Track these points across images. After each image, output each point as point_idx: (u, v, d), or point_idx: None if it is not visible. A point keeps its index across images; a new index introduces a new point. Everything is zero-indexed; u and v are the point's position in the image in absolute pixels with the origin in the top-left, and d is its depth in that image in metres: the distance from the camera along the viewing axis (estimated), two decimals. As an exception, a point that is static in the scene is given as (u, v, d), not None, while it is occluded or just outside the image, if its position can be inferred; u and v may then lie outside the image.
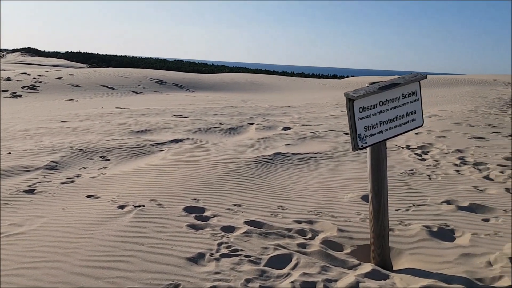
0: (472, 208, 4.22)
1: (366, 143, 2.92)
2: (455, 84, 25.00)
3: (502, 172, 5.62)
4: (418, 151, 6.97)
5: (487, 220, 3.91)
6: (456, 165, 6.05)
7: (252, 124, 9.80)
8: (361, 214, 4.02)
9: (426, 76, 3.17)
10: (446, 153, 6.78)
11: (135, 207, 3.95)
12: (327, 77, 56.39)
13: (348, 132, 8.77)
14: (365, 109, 2.88)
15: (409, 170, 5.76)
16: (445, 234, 3.59)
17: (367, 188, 4.82)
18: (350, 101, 2.82)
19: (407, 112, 3.14)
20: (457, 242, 3.44)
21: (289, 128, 9.32)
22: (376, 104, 2.94)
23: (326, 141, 7.89)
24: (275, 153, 6.49)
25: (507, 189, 4.90)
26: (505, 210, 4.16)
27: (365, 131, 2.90)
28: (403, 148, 7.25)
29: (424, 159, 6.44)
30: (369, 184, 3.18)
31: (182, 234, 3.36)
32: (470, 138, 7.91)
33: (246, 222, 3.69)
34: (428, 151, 6.98)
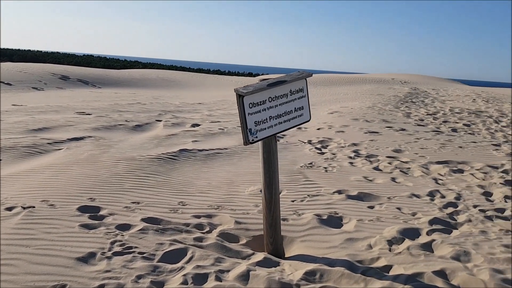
0: (360, 197, 4.57)
1: (256, 137, 3.03)
2: (357, 83, 26.66)
3: (390, 163, 6.14)
4: (318, 145, 7.36)
5: (372, 207, 4.26)
6: (350, 157, 6.49)
7: (160, 121, 9.65)
8: (259, 206, 4.17)
9: (312, 74, 3.37)
10: (343, 147, 7.24)
11: (24, 208, 3.72)
12: (242, 74, 56.82)
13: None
14: (255, 104, 3.00)
15: (309, 163, 6.06)
16: (334, 221, 3.86)
17: (267, 182, 5.02)
18: (240, 97, 2.91)
19: (295, 108, 3.31)
20: (344, 228, 3.72)
21: (198, 125, 9.32)
22: (266, 100, 3.07)
23: (233, 137, 8.02)
24: (181, 150, 6.47)
25: (393, 179, 5.37)
26: (388, 198, 4.56)
27: (255, 125, 3.01)
28: (305, 142, 7.61)
29: (323, 153, 6.82)
30: (261, 177, 3.31)
31: (74, 234, 3.24)
32: (365, 133, 8.52)
33: (143, 219, 3.65)
34: (327, 145, 7.40)
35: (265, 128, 3.09)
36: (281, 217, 3.85)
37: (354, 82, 26.74)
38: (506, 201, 4.53)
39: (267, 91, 3.07)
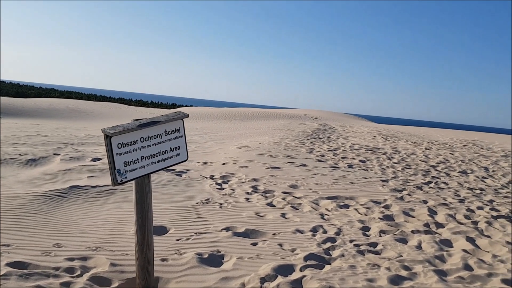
0: (247, 233, 4.66)
1: (126, 177, 3.00)
2: (272, 118, 27.53)
3: (283, 199, 6.36)
4: (220, 181, 7.43)
5: (255, 244, 4.36)
6: (248, 193, 6.62)
7: (58, 154, 9.17)
8: (142, 246, 4.08)
9: (188, 115, 3.45)
10: (243, 182, 7.38)
11: None
12: (166, 106, 55.61)
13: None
14: (124, 145, 2.98)
15: (205, 200, 6.09)
16: (214, 260, 3.88)
17: (157, 220, 4.95)
18: (107, 137, 2.89)
19: (170, 148, 3.35)
20: (223, 267, 3.75)
21: (99, 159, 8.99)
22: (137, 140, 3.07)
23: (133, 172, 7.82)
24: (71, 186, 6.18)
25: (283, 214, 5.56)
26: (274, 234, 4.70)
27: (124, 166, 2.99)
28: (207, 178, 7.65)
29: (223, 188, 6.89)
30: (134, 217, 3.26)
31: None
32: (268, 168, 8.77)
33: (8, 264, 3.41)
34: (228, 181, 7.50)
35: (136, 168, 3.08)
36: (161, 257, 3.82)
37: (268, 117, 27.57)
38: (380, 236, 4.88)
39: (139, 131, 3.09)
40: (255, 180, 7.61)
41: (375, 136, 17.89)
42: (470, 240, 4.80)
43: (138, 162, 3.09)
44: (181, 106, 54.33)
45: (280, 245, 4.35)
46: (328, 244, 4.44)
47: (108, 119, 23.28)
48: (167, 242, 4.24)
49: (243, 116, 27.65)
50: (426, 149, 14.19)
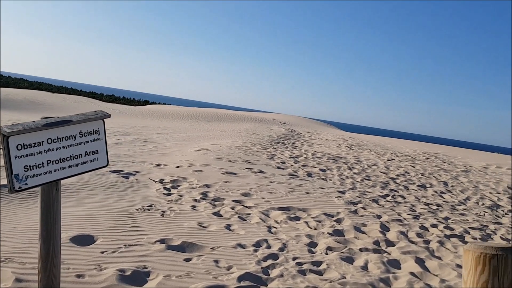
0: (183, 247, 4.29)
1: (26, 184, 2.58)
2: (240, 120, 27.20)
3: (233, 208, 6.01)
4: (169, 185, 7.02)
5: (189, 259, 3.99)
6: (196, 200, 6.24)
7: None
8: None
9: (110, 115, 3.05)
10: (193, 188, 6.99)
11: None
12: (138, 102, 54.07)
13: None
14: (26, 146, 2.57)
15: (148, 206, 5.67)
16: (138, 277, 3.49)
17: (86, 227, 4.51)
18: (4, 137, 2.47)
19: (86, 152, 2.95)
20: (147, 286, 3.37)
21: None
22: (43, 141, 2.66)
23: (76, 172, 7.30)
24: (1, 185, 5.65)
25: (228, 225, 5.21)
26: (212, 248, 4.34)
27: (25, 171, 2.57)
28: (156, 181, 7.22)
29: (170, 194, 6.49)
30: (39, 229, 2.84)
31: None
32: (223, 173, 8.41)
33: None
34: (178, 185, 7.09)
35: (40, 174, 2.66)
36: (77, 273, 3.41)
37: (236, 120, 27.22)
38: (326, 253, 4.59)
39: (45, 132, 2.68)
40: (207, 186, 7.24)
41: (340, 145, 17.81)
42: (419, 261, 4.58)
43: (43, 166, 2.68)
44: (154, 103, 53.22)
45: (216, 261, 3.99)
46: (269, 262, 4.11)
47: (61, 112, 22.36)
48: (90, 254, 3.82)
49: (210, 117, 27.20)
50: (388, 160, 14.15)
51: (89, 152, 2.96)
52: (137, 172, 7.87)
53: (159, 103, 52.97)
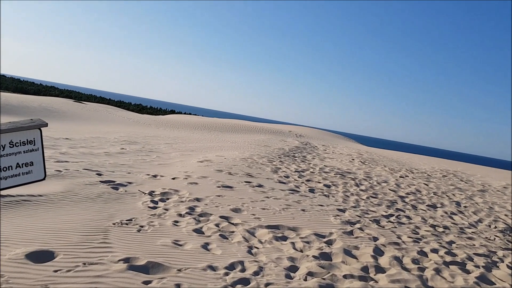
0: (147, 268, 3.98)
1: None
2: (254, 132, 26.91)
3: (217, 224, 5.68)
4: (157, 198, 6.74)
5: (148, 282, 3.67)
6: (180, 215, 5.94)
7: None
8: (5, 276, 3.38)
9: (47, 123, 2.79)
10: (182, 201, 6.70)
11: None
12: (164, 112, 54.28)
13: (102, 173, 8.12)
14: None
15: (127, 220, 5.40)
16: (83, 302, 3.19)
17: (50, 242, 4.25)
18: None
19: (18, 164, 2.69)
20: (90, 312, 3.06)
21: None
22: (-37, 151, 2.42)
23: (65, 181, 7.12)
24: (-24, 194, 5.47)
25: (206, 244, 4.88)
26: (179, 270, 4.02)
27: None
28: (145, 193, 6.96)
29: (156, 207, 6.20)
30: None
31: None
32: (219, 187, 8.10)
33: None
34: (167, 198, 6.81)
35: (-43, 188, 2.41)
36: (16, 295, 3.12)
37: (251, 131, 26.96)
38: (305, 279, 4.21)
39: (-34, 141, 2.43)
40: (197, 200, 6.93)
41: (353, 159, 17.30)
42: (408, 292, 4.14)
43: (-38, 179, 2.43)
44: (179, 113, 53.31)
45: (178, 285, 3.66)
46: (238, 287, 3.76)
47: (85, 121, 22.54)
48: (40, 273, 3.55)
49: (225, 128, 27.00)
50: (401, 177, 13.59)
51: (22, 164, 2.70)
52: (130, 183, 7.63)
53: (184, 113, 52.98)
